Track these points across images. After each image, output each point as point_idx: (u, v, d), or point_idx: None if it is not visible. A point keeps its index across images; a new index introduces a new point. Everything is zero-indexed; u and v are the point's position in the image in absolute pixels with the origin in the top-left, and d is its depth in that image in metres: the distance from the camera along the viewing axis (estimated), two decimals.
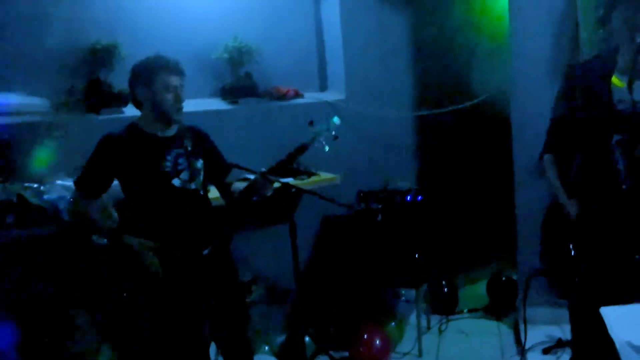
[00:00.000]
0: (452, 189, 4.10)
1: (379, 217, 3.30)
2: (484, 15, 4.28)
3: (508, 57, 3.52)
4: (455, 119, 4.05)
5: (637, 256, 1.81)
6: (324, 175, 3.28)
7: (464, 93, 4.07)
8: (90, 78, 2.93)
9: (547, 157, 2.20)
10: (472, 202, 4.10)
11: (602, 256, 1.93)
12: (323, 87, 4.03)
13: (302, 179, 3.14)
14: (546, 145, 2.21)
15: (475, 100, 3.99)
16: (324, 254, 3.67)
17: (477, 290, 4.12)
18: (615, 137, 1.89)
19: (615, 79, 1.87)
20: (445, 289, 3.97)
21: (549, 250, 2.24)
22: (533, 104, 3.21)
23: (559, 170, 2.16)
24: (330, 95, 3.85)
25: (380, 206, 3.46)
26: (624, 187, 1.86)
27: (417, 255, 3.33)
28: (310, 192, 2.52)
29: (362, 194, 3.61)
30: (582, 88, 2.00)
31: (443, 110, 4.04)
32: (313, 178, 3.20)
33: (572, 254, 2.00)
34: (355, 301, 3.41)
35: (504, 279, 3.95)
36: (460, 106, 4.00)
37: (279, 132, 3.31)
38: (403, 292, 3.87)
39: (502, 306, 3.80)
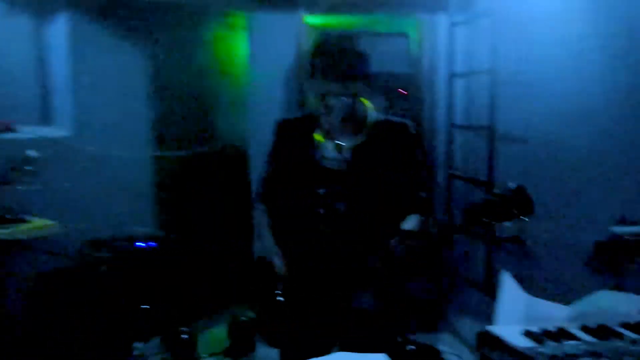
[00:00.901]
0: (193, 233, 4.01)
1: (103, 268, 3.00)
2: (226, 63, 4.39)
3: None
4: (197, 162, 4.00)
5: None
6: (37, 222, 2.87)
7: (207, 137, 4.07)
8: None
9: (258, 206, 2.23)
10: (212, 245, 4.06)
11: (307, 307, 1.98)
12: (46, 121, 3.59)
13: (7, 228, 2.69)
14: (258, 195, 2.24)
15: (215, 144, 4.01)
16: (40, 314, 3.19)
17: (218, 334, 4.07)
18: (319, 192, 1.99)
19: (318, 137, 1.98)
20: (184, 336, 3.81)
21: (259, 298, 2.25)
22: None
23: (271, 221, 2.19)
24: (53, 131, 3.44)
25: (108, 255, 3.16)
26: (325, 238, 1.95)
27: (145, 307, 3.10)
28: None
29: (87, 243, 3.26)
30: (290, 143, 2.09)
31: (184, 153, 3.95)
32: (22, 226, 2.77)
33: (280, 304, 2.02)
34: None
35: (242, 319, 3.97)
36: (201, 149, 3.97)
37: None
38: (136, 345, 3.62)
39: (242, 347, 3.81)
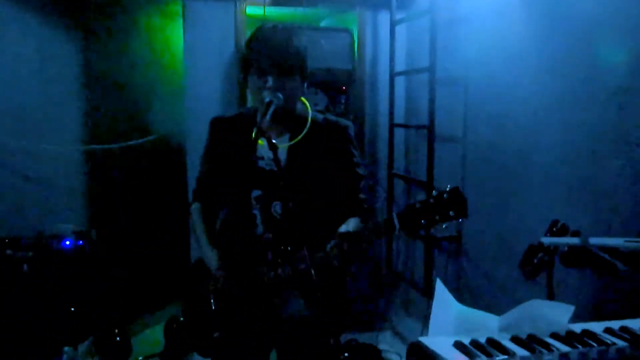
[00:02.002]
0: (126, 230, 3.84)
1: (25, 268, 2.82)
2: (163, 54, 4.23)
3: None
4: (130, 155, 3.83)
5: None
6: None
7: (140, 129, 3.90)
8: None
9: (194, 206, 2.15)
10: (146, 242, 3.91)
11: (240, 314, 1.92)
12: None
13: None
14: (194, 194, 2.16)
15: (151, 137, 3.86)
16: None
17: (153, 336, 3.93)
18: (255, 193, 1.92)
19: (254, 135, 1.89)
20: (117, 338, 3.66)
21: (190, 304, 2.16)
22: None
23: (207, 220, 2.11)
24: None
25: (29, 254, 2.97)
26: (260, 242, 1.88)
27: (72, 309, 2.94)
28: None
29: (5, 241, 3.05)
30: (224, 142, 2.01)
31: (115, 146, 3.77)
32: None
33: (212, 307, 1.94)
34: None
35: (180, 319, 3.85)
36: (134, 142, 3.80)
37: None
38: (67, 349, 3.45)
39: (178, 349, 3.69)
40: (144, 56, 4.07)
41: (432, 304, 1.34)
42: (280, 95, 1.80)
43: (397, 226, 1.64)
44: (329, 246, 1.74)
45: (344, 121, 2.01)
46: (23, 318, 2.93)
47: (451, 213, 1.58)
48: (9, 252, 2.90)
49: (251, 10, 3.61)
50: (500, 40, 2.83)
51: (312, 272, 1.57)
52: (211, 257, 1.98)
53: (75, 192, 3.76)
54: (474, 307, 1.49)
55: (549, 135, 2.50)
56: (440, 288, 1.36)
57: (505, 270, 2.75)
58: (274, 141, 1.77)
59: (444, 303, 1.36)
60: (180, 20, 3.64)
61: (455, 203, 1.58)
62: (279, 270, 1.81)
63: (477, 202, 2.90)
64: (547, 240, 1.72)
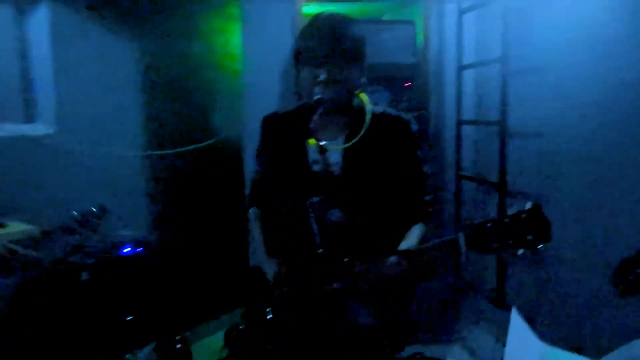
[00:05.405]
0: (186, 235, 3.81)
1: (84, 276, 2.80)
2: (223, 56, 4.18)
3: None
4: (190, 159, 3.80)
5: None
6: (17, 227, 2.68)
7: (201, 132, 3.87)
8: None
9: (251, 211, 2.04)
10: (206, 248, 3.87)
11: (299, 324, 1.80)
12: (30, 118, 3.40)
13: None
14: (250, 199, 2.05)
15: (210, 141, 3.81)
16: (19, 325, 3.00)
17: (214, 343, 3.88)
18: (310, 199, 1.77)
19: (308, 136, 1.74)
20: (178, 345, 3.62)
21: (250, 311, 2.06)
22: None
23: (265, 226, 2.00)
24: (35, 129, 3.25)
25: (91, 261, 2.96)
26: (319, 251, 1.73)
27: (130, 317, 2.91)
28: None
29: (70, 249, 3.06)
30: (277, 143, 1.87)
31: (177, 150, 3.75)
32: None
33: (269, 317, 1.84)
34: None
35: (241, 327, 3.77)
36: (193, 146, 3.77)
37: None
38: (128, 356, 3.45)
39: (240, 356, 3.61)
40: (203, 59, 4.04)
41: (508, 331, 1.12)
42: (333, 91, 1.64)
43: (464, 249, 1.44)
44: (387, 262, 1.56)
45: (405, 115, 1.82)
46: (83, 325, 2.92)
47: (529, 237, 1.35)
48: (72, 259, 2.90)
49: (309, 8, 3.48)
50: (583, 23, 2.52)
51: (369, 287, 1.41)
52: (268, 265, 1.87)
53: (136, 197, 3.77)
54: (554, 328, 1.25)
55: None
56: (516, 319, 1.13)
57: (592, 283, 2.44)
58: (322, 143, 1.62)
59: (522, 339, 1.13)
60: (239, 23, 3.58)
61: (535, 225, 1.34)
62: (336, 284, 1.66)
63: (557, 204, 2.61)
64: None
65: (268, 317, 1.82)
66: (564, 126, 2.69)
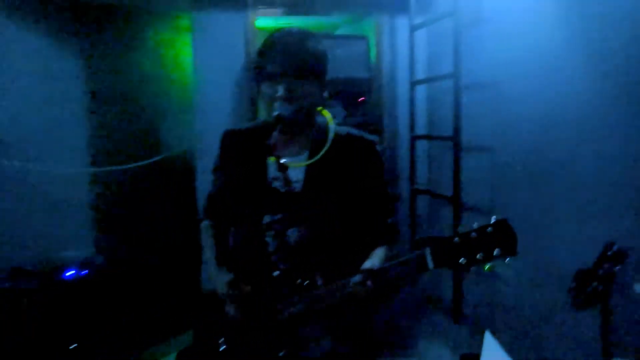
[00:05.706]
0: (135, 256, 3.66)
1: (24, 301, 2.64)
2: (173, 69, 4.07)
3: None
4: (137, 176, 3.66)
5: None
6: None
7: (149, 147, 3.74)
8: None
9: (204, 223, 1.95)
10: (156, 268, 3.72)
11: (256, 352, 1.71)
12: None
13: None
14: (205, 212, 1.96)
15: (159, 157, 3.69)
16: None
17: None
18: (267, 218, 1.71)
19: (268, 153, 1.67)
20: None
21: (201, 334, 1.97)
22: None
23: (217, 240, 1.91)
24: None
25: (31, 286, 2.79)
26: (274, 274, 1.66)
27: (74, 345, 2.76)
28: None
29: (9, 272, 2.88)
30: (237, 158, 1.80)
31: (124, 167, 3.61)
32: None
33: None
34: None
35: (193, 350, 3.64)
36: (144, 162, 3.64)
37: None
38: None
39: None
40: (153, 72, 3.93)
41: (481, 353, 1.09)
42: (293, 107, 1.59)
43: (431, 265, 1.41)
44: (351, 282, 1.51)
45: (368, 135, 1.78)
46: (25, 351, 2.74)
47: (496, 252, 1.33)
48: (7, 285, 2.72)
49: (262, 22, 3.43)
50: (532, 38, 2.58)
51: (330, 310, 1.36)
52: (218, 279, 1.77)
53: (82, 216, 3.59)
54: (511, 338, 1.23)
55: (595, 142, 2.23)
56: (489, 341, 1.11)
57: (546, 295, 2.47)
58: (283, 160, 1.56)
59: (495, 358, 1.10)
60: (190, 35, 3.49)
61: (503, 239, 1.32)
62: (293, 309, 1.59)
63: (510, 217, 2.63)
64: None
65: (220, 348, 1.73)
66: (515, 140, 2.74)
